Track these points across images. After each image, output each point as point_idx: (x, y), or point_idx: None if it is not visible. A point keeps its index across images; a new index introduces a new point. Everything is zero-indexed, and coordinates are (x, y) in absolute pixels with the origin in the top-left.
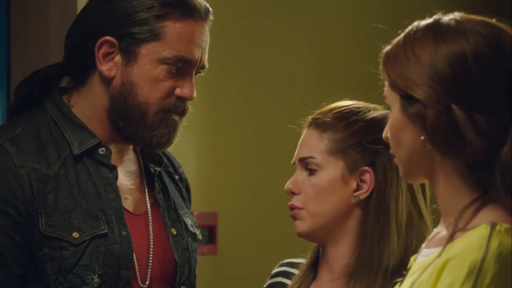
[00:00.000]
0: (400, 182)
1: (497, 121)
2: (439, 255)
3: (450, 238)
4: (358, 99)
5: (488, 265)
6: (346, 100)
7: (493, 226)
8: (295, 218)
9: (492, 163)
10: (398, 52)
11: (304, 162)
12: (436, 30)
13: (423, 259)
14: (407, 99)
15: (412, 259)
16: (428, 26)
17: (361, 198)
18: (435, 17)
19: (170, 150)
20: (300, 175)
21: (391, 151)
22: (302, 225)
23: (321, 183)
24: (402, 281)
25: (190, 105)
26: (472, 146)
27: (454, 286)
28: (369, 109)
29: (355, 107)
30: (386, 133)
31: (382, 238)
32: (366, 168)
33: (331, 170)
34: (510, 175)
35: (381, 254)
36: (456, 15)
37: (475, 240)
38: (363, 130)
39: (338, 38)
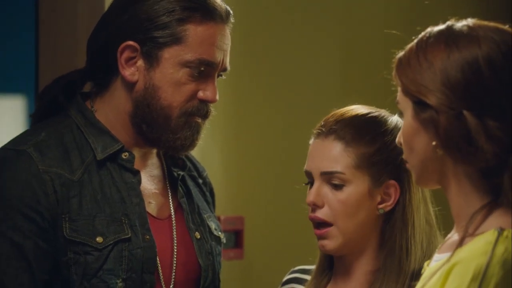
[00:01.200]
0: (421, 192)
1: (508, 127)
2: (448, 260)
3: (460, 243)
4: (380, 103)
5: (493, 271)
6: (356, 105)
7: (500, 231)
8: (324, 237)
9: (503, 168)
10: (411, 58)
11: (329, 176)
12: (449, 36)
13: (435, 264)
14: (419, 105)
15: (425, 264)
16: (440, 32)
17: (386, 210)
18: (448, 23)
19: (197, 155)
20: (322, 187)
21: (403, 157)
22: (331, 244)
23: (350, 199)
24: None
25: (216, 110)
26: (484, 152)
27: None
28: (384, 117)
29: (372, 117)
30: (399, 138)
31: (410, 247)
32: (391, 181)
33: (359, 185)
34: None
35: (409, 262)
36: (469, 21)
37: (481, 246)
38: (387, 144)
39: (365, 41)
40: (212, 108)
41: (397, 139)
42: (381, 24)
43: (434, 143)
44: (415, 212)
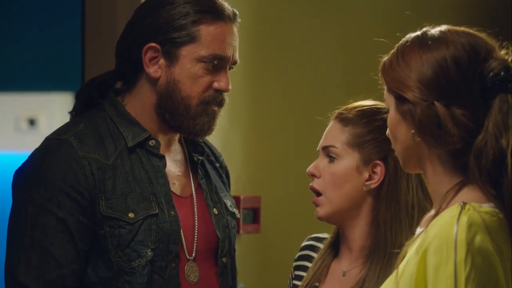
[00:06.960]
0: (409, 176)
1: (472, 114)
2: (425, 231)
3: (434, 216)
4: (380, 99)
5: (461, 236)
6: (370, 100)
7: (463, 205)
8: (316, 205)
9: (469, 150)
10: (392, 60)
11: (326, 150)
12: (422, 40)
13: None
14: (399, 99)
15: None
16: (416, 37)
17: (372, 187)
18: (424, 29)
19: (219, 142)
20: (322, 161)
21: (392, 146)
22: (321, 211)
23: (338, 171)
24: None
25: (236, 101)
26: (451, 135)
27: (441, 266)
28: (384, 110)
29: (376, 107)
30: (388, 131)
31: (394, 224)
32: (378, 161)
33: (348, 160)
34: (483, 159)
35: (393, 238)
36: (443, 27)
37: (449, 220)
38: (379, 128)
39: (367, 39)
40: (226, 97)
41: (387, 132)
42: (374, 30)
43: (412, 131)
44: (401, 193)
